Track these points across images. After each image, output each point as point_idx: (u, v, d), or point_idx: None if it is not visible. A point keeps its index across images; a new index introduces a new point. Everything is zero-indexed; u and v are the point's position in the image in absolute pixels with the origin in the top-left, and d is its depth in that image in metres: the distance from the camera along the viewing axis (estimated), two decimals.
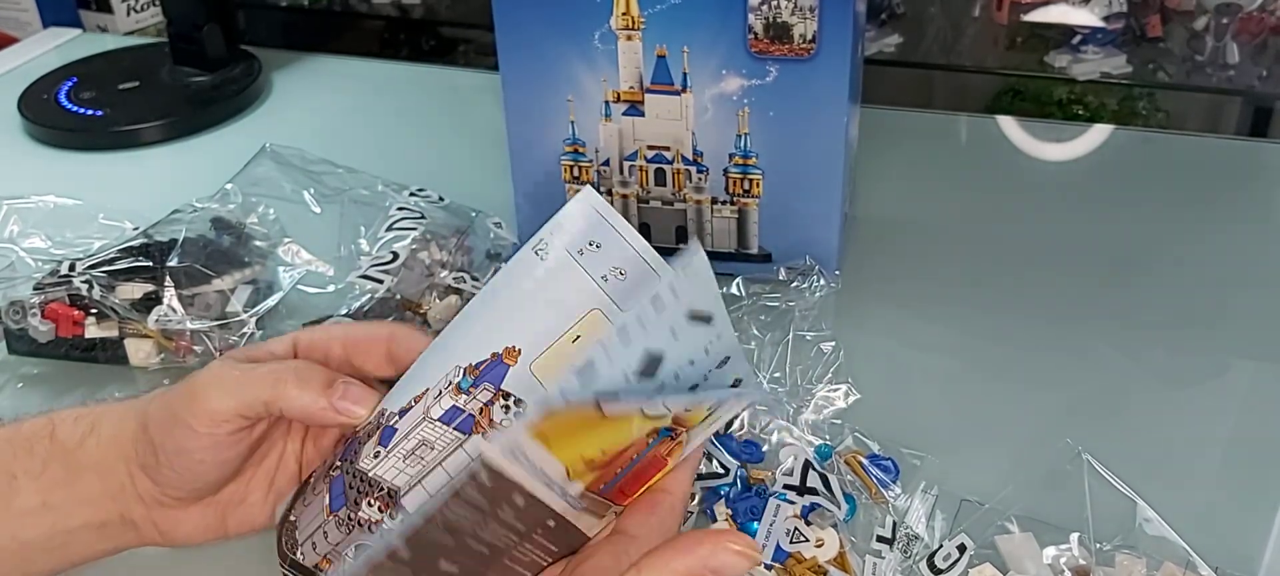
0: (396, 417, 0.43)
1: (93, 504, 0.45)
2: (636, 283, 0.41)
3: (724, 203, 0.70)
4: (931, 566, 0.51)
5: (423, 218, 0.73)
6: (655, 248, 0.74)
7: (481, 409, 0.40)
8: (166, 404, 0.44)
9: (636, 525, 0.41)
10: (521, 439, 0.37)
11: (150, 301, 0.65)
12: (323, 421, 0.44)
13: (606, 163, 0.71)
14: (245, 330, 0.65)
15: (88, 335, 0.65)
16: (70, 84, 1.03)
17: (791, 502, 0.54)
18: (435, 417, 0.42)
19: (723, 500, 0.54)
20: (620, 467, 0.41)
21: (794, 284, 0.69)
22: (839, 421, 0.59)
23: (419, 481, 0.42)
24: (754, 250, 0.72)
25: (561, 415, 0.37)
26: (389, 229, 0.72)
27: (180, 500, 0.45)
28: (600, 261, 0.42)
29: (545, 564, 0.42)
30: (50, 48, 1.17)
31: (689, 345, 0.41)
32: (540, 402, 0.37)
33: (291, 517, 0.45)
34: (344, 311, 0.66)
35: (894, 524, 0.53)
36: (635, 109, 0.68)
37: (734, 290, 0.69)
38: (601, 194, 0.72)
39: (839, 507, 0.54)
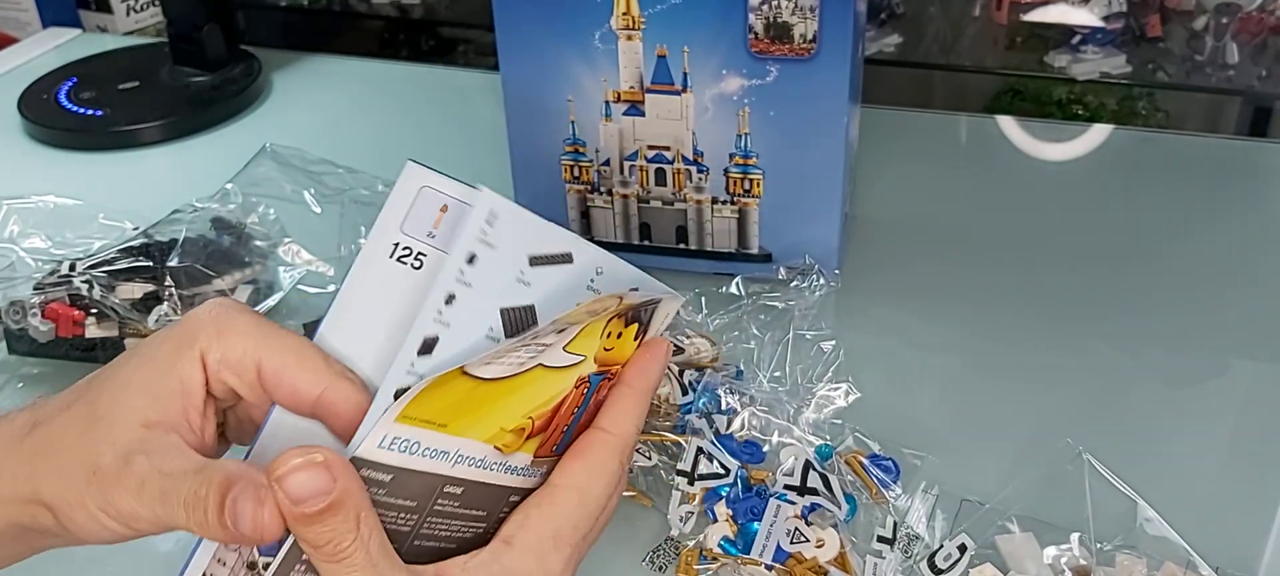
0: None
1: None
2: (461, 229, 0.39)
3: (724, 202, 0.71)
4: (932, 566, 0.51)
5: None
6: (654, 247, 0.75)
7: None
8: (67, 484, 0.37)
9: (561, 474, 0.39)
10: (390, 427, 0.36)
11: (150, 301, 0.65)
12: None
13: (607, 162, 0.71)
14: None
15: (88, 335, 0.65)
16: (70, 84, 1.03)
17: (792, 503, 0.54)
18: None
19: (723, 500, 0.54)
20: (564, 425, 0.40)
21: (794, 283, 0.69)
22: (839, 421, 0.59)
23: None
24: (754, 250, 0.72)
25: (430, 395, 0.36)
26: None
27: None
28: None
29: None
30: (50, 48, 1.17)
31: (555, 285, 0.40)
32: (388, 385, 0.36)
33: None
34: None
35: (894, 524, 0.53)
36: (636, 109, 0.68)
37: (734, 290, 0.69)
38: (602, 193, 0.72)
39: (839, 508, 0.54)
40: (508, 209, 0.39)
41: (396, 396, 0.36)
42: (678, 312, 0.67)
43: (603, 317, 0.40)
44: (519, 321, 0.39)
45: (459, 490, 0.38)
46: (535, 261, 0.40)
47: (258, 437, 0.40)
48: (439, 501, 0.38)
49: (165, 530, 0.37)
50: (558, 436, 0.41)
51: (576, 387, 0.40)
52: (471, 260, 0.38)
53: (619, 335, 0.42)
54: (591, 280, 0.41)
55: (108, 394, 0.38)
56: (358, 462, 0.36)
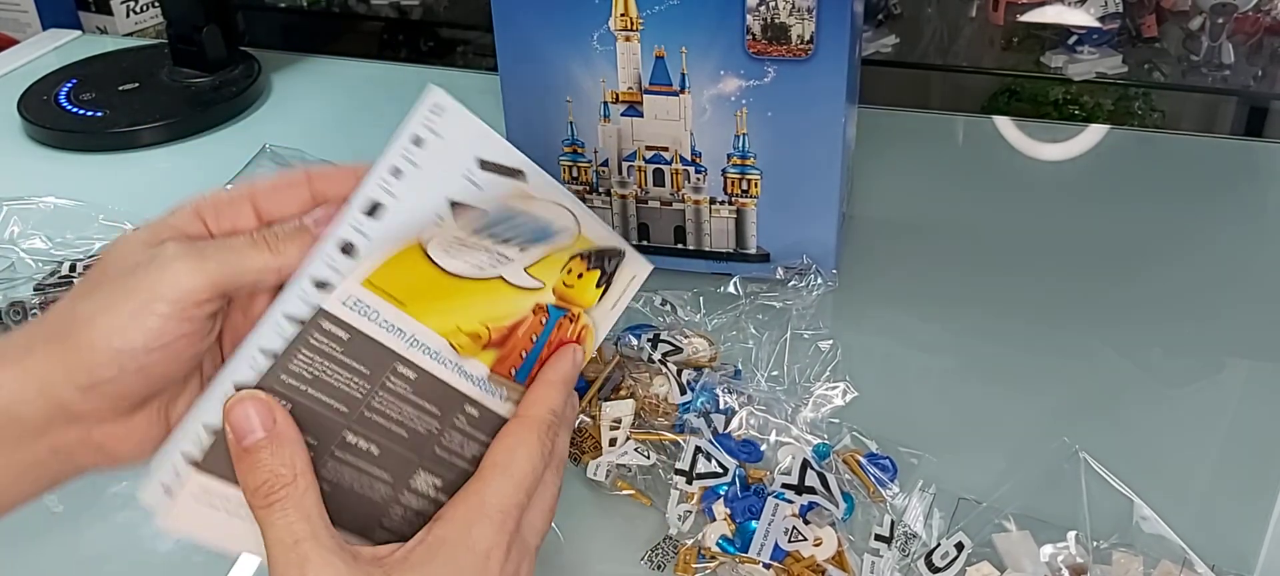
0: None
1: (12, 448, 0.39)
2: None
3: (722, 203, 0.71)
4: (929, 564, 0.51)
5: None
6: (654, 248, 0.75)
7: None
8: (124, 306, 0.38)
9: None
10: (353, 288, 0.39)
11: None
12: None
13: (605, 163, 0.71)
14: None
15: None
16: (70, 85, 1.03)
17: (790, 502, 0.54)
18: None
19: (721, 499, 0.54)
20: (523, 349, 0.43)
21: (792, 283, 0.69)
22: (837, 420, 0.60)
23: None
24: (752, 250, 0.72)
25: (393, 270, 0.39)
26: None
27: (124, 412, 0.40)
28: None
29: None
30: (50, 49, 1.17)
31: (500, 195, 0.42)
32: (332, 236, 0.39)
33: None
34: None
35: (892, 522, 0.53)
36: (634, 110, 0.68)
37: (732, 289, 0.69)
38: (600, 194, 0.72)
39: (837, 506, 0.54)
40: (455, 108, 0.42)
41: (343, 249, 0.39)
42: (674, 309, 0.67)
43: (566, 251, 0.44)
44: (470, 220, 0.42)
45: (412, 375, 0.41)
46: (485, 166, 0.42)
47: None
48: (391, 379, 0.40)
49: (222, 288, 0.39)
50: (517, 360, 0.43)
51: (535, 314, 0.44)
52: (417, 142, 0.40)
53: (581, 276, 0.45)
54: (531, 205, 0.44)
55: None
56: (321, 315, 0.39)
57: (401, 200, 0.40)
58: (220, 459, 0.39)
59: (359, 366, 0.40)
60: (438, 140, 0.41)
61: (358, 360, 0.40)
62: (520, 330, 0.43)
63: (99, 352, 0.37)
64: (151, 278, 0.38)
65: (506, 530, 0.40)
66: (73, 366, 0.38)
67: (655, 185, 0.71)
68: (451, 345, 0.42)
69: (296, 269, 0.40)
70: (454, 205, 0.41)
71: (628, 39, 0.66)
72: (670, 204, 0.72)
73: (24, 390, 0.38)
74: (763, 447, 0.58)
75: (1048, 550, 0.51)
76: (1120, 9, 1.19)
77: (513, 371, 0.44)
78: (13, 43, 1.21)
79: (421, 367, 0.41)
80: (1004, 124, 0.96)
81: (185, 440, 0.39)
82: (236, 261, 0.39)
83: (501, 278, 0.42)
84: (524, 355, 0.44)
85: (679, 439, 0.56)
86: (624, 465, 0.57)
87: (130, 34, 1.24)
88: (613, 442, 0.58)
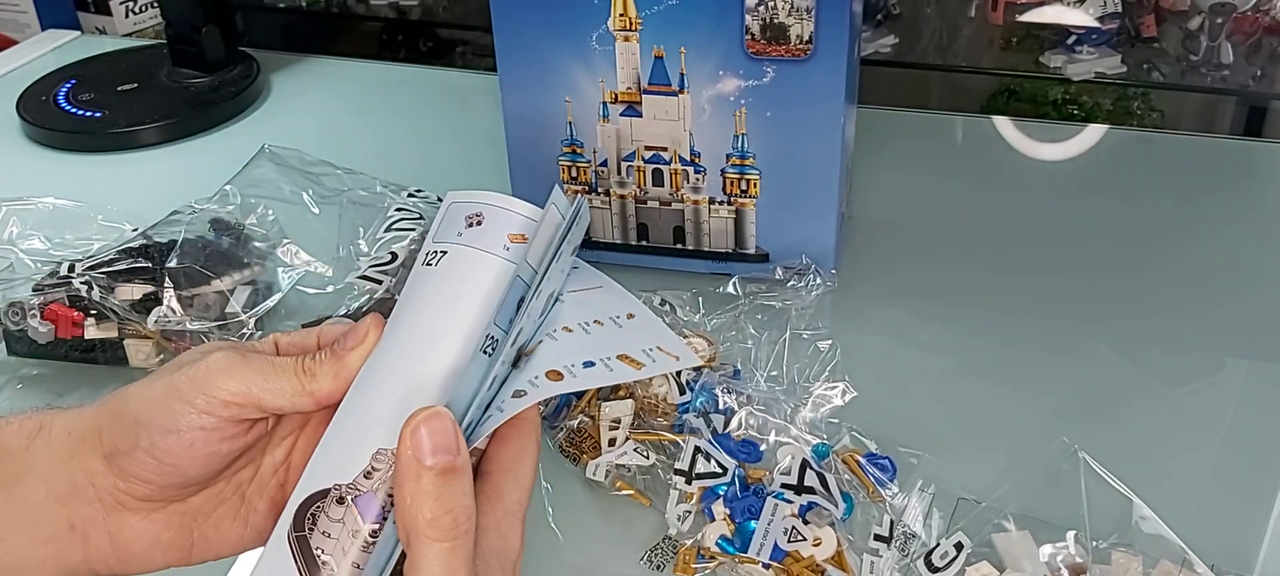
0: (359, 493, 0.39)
1: (34, 512, 0.40)
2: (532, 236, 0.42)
3: (721, 203, 0.71)
4: (929, 564, 0.51)
5: (421, 218, 0.73)
6: (651, 247, 0.75)
7: None
8: (161, 385, 0.40)
9: (494, 461, 0.42)
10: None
11: (150, 302, 0.65)
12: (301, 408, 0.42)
13: (604, 163, 0.71)
14: (245, 331, 0.66)
15: (87, 336, 0.65)
16: (69, 86, 1.03)
17: (789, 501, 0.54)
18: None
19: (721, 499, 0.54)
20: None
21: (791, 283, 0.69)
22: (836, 420, 0.60)
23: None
24: (751, 250, 0.72)
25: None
26: (387, 230, 0.73)
27: (145, 500, 0.40)
28: (488, 235, 0.42)
29: None
30: (49, 49, 1.17)
31: (566, 268, 0.44)
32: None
33: None
34: (342, 312, 0.66)
35: (891, 522, 0.53)
36: (633, 110, 0.68)
37: (731, 290, 0.69)
38: (599, 194, 0.72)
39: (836, 506, 0.54)
40: (583, 203, 0.43)
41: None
42: (673, 309, 0.67)
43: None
44: (547, 306, 0.43)
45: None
46: (574, 250, 0.43)
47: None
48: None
49: (252, 399, 0.40)
50: None
51: None
52: (556, 256, 0.41)
53: None
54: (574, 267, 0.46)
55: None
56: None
57: (530, 316, 0.41)
58: None
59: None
60: (568, 250, 0.42)
61: None
62: None
63: (123, 421, 0.40)
64: (193, 372, 0.40)
65: (522, 527, 0.41)
66: (103, 429, 0.40)
67: (654, 185, 0.71)
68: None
69: (327, 395, 0.41)
70: (549, 296, 0.42)
71: (627, 39, 0.66)
72: (669, 204, 0.72)
73: (66, 443, 0.40)
74: (762, 447, 0.58)
75: (1047, 550, 0.51)
76: (1119, 9, 1.19)
77: None
78: (12, 43, 1.21)
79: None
80: (1003, 124, 0.96)
81: None
82: (272, 378, 0.40)
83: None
84: None
85: (678, 439, 0.56)
86: (623, 465, 0.57)
87: (129, 34, 1.24)
88: (612, 442, 0.58)
